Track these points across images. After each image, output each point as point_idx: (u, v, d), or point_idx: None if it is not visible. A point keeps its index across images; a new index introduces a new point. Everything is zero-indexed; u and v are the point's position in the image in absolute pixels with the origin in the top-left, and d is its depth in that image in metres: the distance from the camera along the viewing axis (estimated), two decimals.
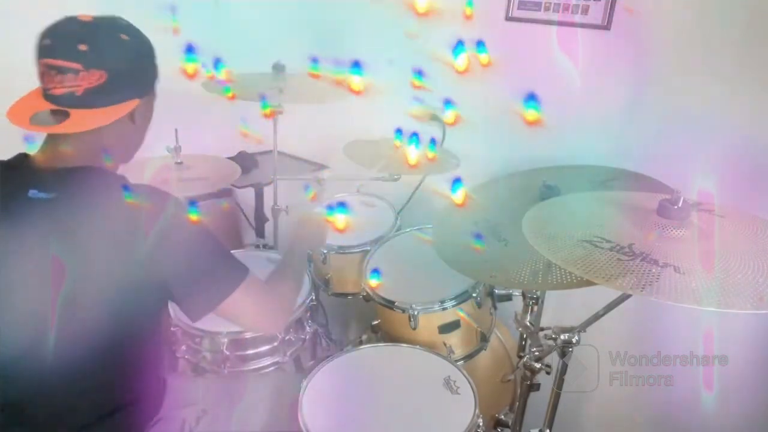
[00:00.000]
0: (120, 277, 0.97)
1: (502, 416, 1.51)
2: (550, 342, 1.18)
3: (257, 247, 2.05)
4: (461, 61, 1.66)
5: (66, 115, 0.96)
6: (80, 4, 1.05)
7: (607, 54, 1.61)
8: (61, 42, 0.96)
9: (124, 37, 1.01)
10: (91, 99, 0.97)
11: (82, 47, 0.95)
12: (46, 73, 0.97)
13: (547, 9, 1.68)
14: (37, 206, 0.96)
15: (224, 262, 1.07)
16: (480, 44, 1.65)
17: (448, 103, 1.83)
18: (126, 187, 1.02)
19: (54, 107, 0.97)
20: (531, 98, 1.50)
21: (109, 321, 0.99)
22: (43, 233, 0.94)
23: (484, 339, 1.50)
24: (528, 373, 1.30)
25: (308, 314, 1.59)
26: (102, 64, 0.97)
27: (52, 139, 1.03)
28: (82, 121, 0.97)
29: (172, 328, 1.49)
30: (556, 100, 1.70)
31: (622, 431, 1.88)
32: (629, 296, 0.96)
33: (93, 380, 1.05)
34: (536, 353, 1.27)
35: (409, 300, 1.44)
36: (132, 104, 1.02)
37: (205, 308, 1.04)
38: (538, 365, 1.27)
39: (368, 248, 1.67)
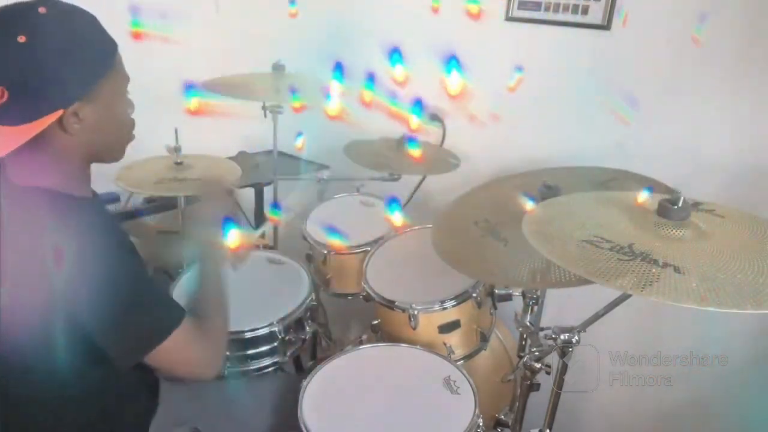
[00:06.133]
0: (39, 311, 0.88)
1: (502, 416, 1.51)
2: (550, 342, 1.18)
3: (257, 247, 2.05)
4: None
5: None
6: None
7: (607, 54, 1.61)
8: None
9: (21, 39, 0.83)
10: (3, 117, 0.85)
11: None
12: None
13: (547, 9, 1.68)
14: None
15: (153, 307, 0.97)
16: None
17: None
18: (59, 216, 0.91)
19: None
20: None
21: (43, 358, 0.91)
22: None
23: (484, 339, 1.50)
24: (528, 373, 1.30)
25: (308, 314, 1.59)
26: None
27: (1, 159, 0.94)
28: (4, 140, 0.85)
29: None
30: (556, 100, 1.71)
31: (622, 431, 1.88)
32: (629, 296, 0.96)
33: (53, 410, 1.02)
34: (536, 353, 1.27)
35: (409, 300, 1.44)
36: (51, 118, 0.87)
37: (131, 357, 0.96)
38: (538, 365, 1.27)
39: (368, 248, 1.67)
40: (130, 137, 1.06)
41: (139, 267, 0.99)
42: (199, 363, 1.04)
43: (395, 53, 1.78)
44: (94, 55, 0.92)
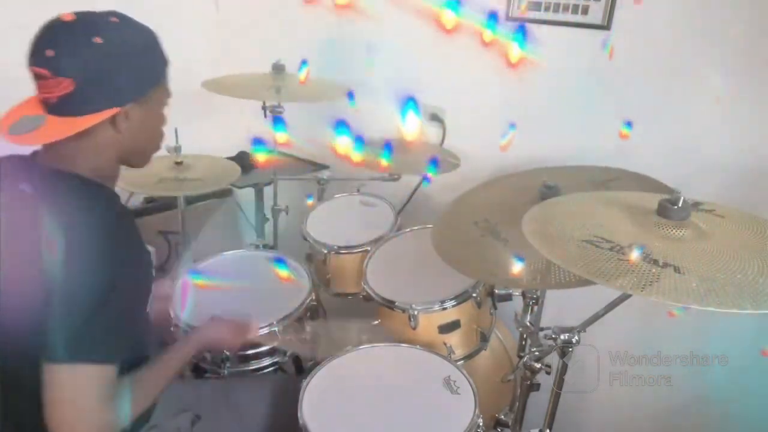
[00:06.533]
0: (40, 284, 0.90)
1: (502, 416, 1.51)
2: (550, 342, 1.18)
3: (257, 247, 2.05)
4: None
5: (43, 120, 0.94)
6: None
7: (607, 54, 1.61)
8: (35, 47, 0.93)
9: (97, 40, 0.93)
10: (63, 107, 0.94)
11: (49, 53, 0.91)
12: (33, 78, 0.95)
13: (547, 9, 1.68)
14: (22, 199, 0.96)
15: (103, 326, 0.91)
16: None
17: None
18: (83, 204, 0.96)
19: (42, 113, 0.95)
20: None
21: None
22: (22, 224, 0.94)
23: (484, 339, 1.50)
24: (528, 373, 1.30)
25: (308, 314, 1.59)
26: (69, 71, 0.92)
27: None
28: (54, 129, 0.93)
29: (171, 328, 1.49)
30: (556, 100, 1.71)
31: (622, 431, 1.88)
32: (629, 296, 0.96)
33: None
34: (536, 353, 1.27)
35: (409, 300, 1.44)
36: (108, 113, 0.96)
37: (50, 351, 0.89)
38: (538, 365, 1.27)
39: (368, 248, 1.67)
40: (158, 148, 1.14)
41: (138, 279, 0.99)
42: (78, 417, 0.91)
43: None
44: (153, 64, 1.03)
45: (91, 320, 0.90)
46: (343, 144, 1.68)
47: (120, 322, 0.95)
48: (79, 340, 0.90)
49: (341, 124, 1.68)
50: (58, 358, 0.89)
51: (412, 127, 1.71)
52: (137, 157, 1.10)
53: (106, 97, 0.96)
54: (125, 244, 0.98)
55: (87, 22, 0.95)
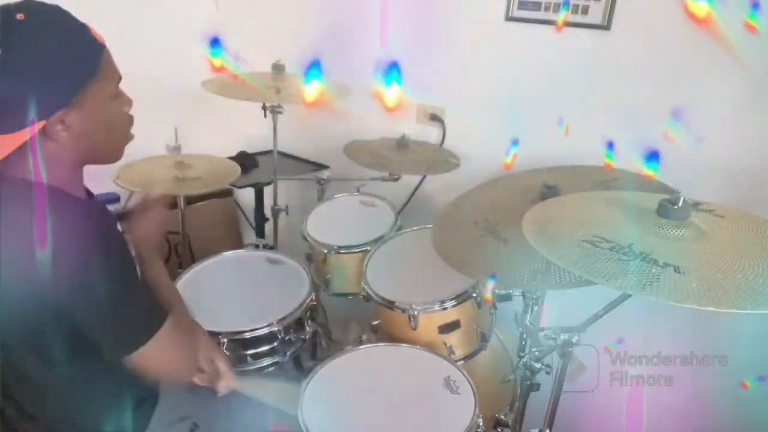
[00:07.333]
0: (22, 295, 0.87)
1: (502, 416, 1.51)
2: (550, 342, 1.18)
3: (257, 247, 2.05)
4: None
5: None
6: None
7: (607, 54, 1.61)
8: None
9: None
10: None
11: None
12: None
13: (547, 9, 1.68)
14: None
15: (137, 307, 0.96)
16: None
17: None
18: (48, 207, 0.89)
19: None
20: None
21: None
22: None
23: (484, 339, 1.50)
24: (528, 373, 1.30)
25: (308, 314, 1.59)
26: None
27: None
28: None
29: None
30: (556, 100, 1.71)
31: (622, 431, 1.88)
32: (629, 296, 0.96)
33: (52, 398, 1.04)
34: (536, 353, 1.27)
35: (409, 300, 1.44)
36: (35, 128, 0.86)
37: (120, 351, 0.95)
38: (538, 365, 1.27)
39: (368, 248, 1.67)
40: (126, 137, 1.03)
41: (126, 267, 0.96)
42: (179, 363, 1.06)
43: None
44: (76, 62, 0.88)
45: (122, 312, 0.95)
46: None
47: (140, 297, 0.98)
48: (127, 331, 0.96)
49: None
50: (125, 352, 0.96)
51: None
52: (103, 155, 1.00)
53: (24, 113, 0.84)
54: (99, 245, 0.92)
55: None
